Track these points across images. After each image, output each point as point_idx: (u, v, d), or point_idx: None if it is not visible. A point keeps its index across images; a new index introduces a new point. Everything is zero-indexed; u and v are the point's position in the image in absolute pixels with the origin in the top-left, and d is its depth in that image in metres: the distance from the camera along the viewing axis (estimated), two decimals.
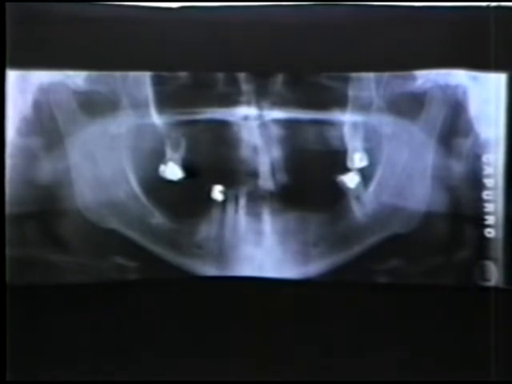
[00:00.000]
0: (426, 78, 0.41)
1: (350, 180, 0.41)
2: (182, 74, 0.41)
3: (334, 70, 0.41)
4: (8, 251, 0.40)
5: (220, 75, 0.41)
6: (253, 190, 0.41)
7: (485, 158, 0.40)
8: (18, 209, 0.40)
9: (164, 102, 0.41)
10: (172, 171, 0.41)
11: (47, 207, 0.40)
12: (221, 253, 0.41)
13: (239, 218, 0.41)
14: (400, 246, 0.41)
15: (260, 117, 0.41)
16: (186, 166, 0.41)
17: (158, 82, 0.41)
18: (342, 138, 0.41)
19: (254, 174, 0.41)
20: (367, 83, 0.41)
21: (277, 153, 0.41)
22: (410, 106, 0.41)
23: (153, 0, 0.43)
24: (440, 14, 0.41)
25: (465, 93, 0.41)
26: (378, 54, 0.41)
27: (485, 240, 0.40)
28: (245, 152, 0.41)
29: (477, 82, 0.40)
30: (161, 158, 0.41)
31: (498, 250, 0.40)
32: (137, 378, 0.40)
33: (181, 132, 0.41)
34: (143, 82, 0.41)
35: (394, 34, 0.41)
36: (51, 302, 0.40)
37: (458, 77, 0.41)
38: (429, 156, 0.41)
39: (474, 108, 0.40)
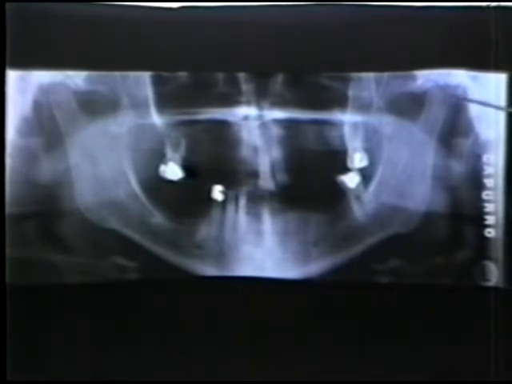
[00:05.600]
0: (426, 78, 0.41)
1: (350, 180, 0.41)
2: (182, 74, 0.41)
3: (334, 70, 0.41)
4: (8, 251, 0.40)
5: (220, 75, 0.41)
6: (253, 190, 0.41)
7: (485, 158, 0.40)
8: (17, 209, 0.40)
9: (164, 102, 0.41)
10: (172, 171, 0.41)
11: (47, 207, 0.40)
12: (221, 253, 0.41)
13: (239, 218, 0.41)
14: (400, 246, 0.41)
15: (260, 117, 0.41)
16: (186, 166, 0.41)
17: (158, 82, 0.41)
18: (342, 138, 0.41)
19: (254, 174, 0.41)
20: (367, 83, 0.41)
21: (277, 153, 0.41)
22: (410, 106, 0.41)
23: (153, 0, 0.43)
24: (440, 14, 0.41)
25: (465, 93, 0.41)
26: (378, 54, 0.41)
27: (485, 240, 0.40)
28: (245, 152, 0.41)
29: (477, 82, 0.40)
30: (161, 158, 0.41)
31: (498, 250, 0.40)
32: (137, 377, 0.40)
33: (181, 132, 0.41)
34: (143, 82, 0.41)
35: (394, 34, 0.41)
36: (51, 301, 0.40)
37: (458, 77, 0.41)
38: (429, 156, 0.41)
39: (474, 108, 0.40)
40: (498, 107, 0.35)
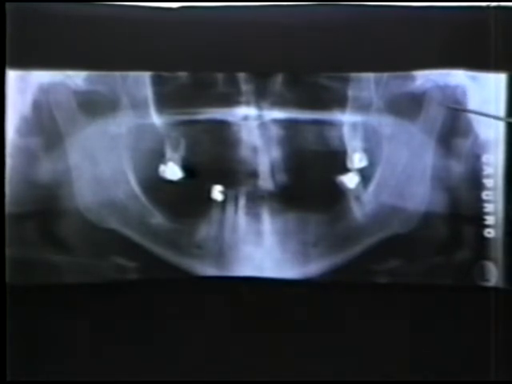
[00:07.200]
0: (426, 78, 0.41)
1: (350, 180, 0.41)
2: (182, 74, 0.41)
3: (334, 70, 0.41)
4: (8, 251, 0.40)
5: (220, 75, 0.41)
6: (253, 190, 0.41)
7: (484, 158, 0.40)
8: (17, 209, 0.40)
9: (164, 102, 0.41)
10: (172, 171, 0.41)
11: (47, 207, 0.41)
12: (221, 253, 0.41)
13: (239, 218, 0.41)
14: (400, 246, 0.41)
15: (260, 117, 0.41)
16: (186, 166, 0.41)
17: (158, 82, 0.41)
18: (341, 138, 0.41)
19: (254, 174, 0.41)
20: (367, 83, 0.41)
21: (277, 153, 0.41)
22: (409, 106, 0.41)
23: (153, 0, 0.43)
24: (440, 14, 0.41)
25: (464, 93, 0.40)
26: (378, 54, 0.41)
27: (485, 240, 0.40)
28: (244, 152, 0.41)
29: (477, 82, 0.40)
30: (161, 158, 0.41)
31: (497, 250, 0.40)
32: (137, 377, 0.40)
33: (181, 132, 0.41)
34: (143, 82, 0.41)
35: (394, 34, 0.41)
36: (51, 301, 0.40)
37: (458, 77, 0.41)
38: (428, 156, 0.41)
39: (473, 108, 0.40)
40: (497, 117, 0.35)
